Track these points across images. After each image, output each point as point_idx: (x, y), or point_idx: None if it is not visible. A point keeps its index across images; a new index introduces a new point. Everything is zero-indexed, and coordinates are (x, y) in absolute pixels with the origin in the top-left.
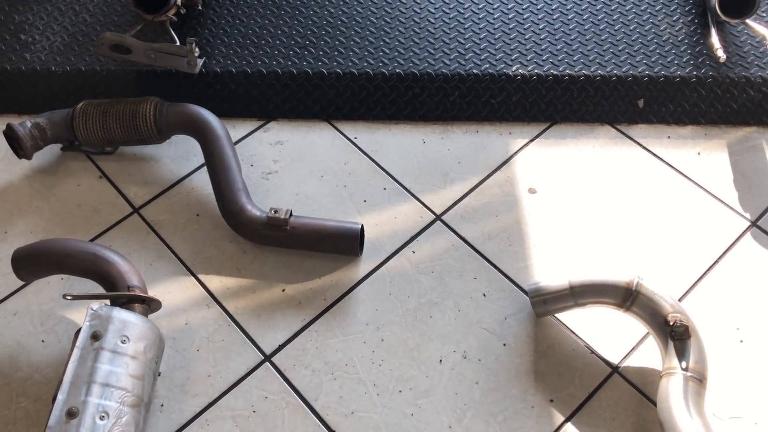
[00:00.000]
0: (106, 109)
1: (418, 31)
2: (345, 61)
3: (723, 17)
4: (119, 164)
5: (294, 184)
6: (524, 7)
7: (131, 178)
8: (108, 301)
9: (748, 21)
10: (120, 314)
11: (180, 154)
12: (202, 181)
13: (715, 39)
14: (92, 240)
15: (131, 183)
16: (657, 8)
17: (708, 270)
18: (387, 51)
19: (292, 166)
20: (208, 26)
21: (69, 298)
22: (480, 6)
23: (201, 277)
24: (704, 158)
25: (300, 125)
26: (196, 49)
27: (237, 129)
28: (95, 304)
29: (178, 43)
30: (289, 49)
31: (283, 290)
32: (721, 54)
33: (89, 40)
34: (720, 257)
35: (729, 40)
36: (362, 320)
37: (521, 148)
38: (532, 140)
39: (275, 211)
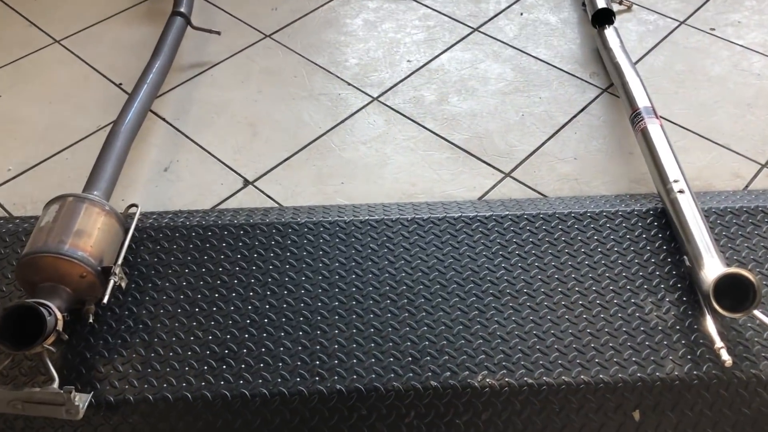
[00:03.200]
0: None
1: (362, 336)
2: (273, 376)
3: (720, 311)
4: None
5: None
6: (488, 309)
7: None
8: None
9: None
10: None
11: None
12: None
13: (713, 332)
14: None
15: None
16: (642, 296)
17: None
18: (325, 360)
19: None
20: (103, 338)
21: None
22: (432, 303)
23: None
24: None
25: None
26: (76, 396)
27: None
28: None
29: (56, 382)
30: (204, 363)
31: None
32: (725, 357)
33: None
34: None
35: (726, 324)
36: None
37: None
38: None
39: None
